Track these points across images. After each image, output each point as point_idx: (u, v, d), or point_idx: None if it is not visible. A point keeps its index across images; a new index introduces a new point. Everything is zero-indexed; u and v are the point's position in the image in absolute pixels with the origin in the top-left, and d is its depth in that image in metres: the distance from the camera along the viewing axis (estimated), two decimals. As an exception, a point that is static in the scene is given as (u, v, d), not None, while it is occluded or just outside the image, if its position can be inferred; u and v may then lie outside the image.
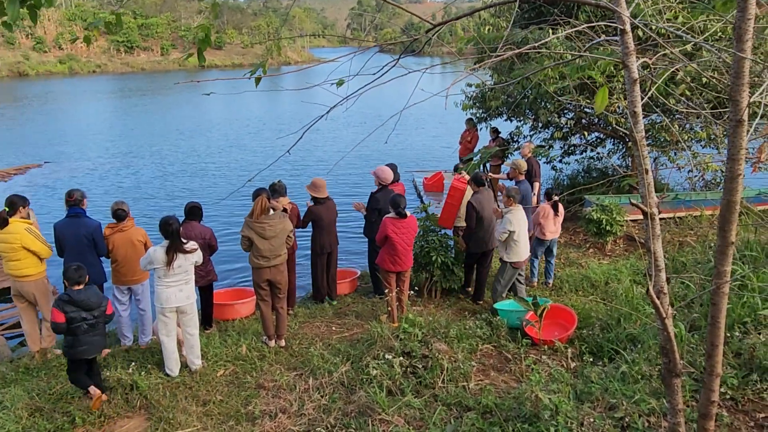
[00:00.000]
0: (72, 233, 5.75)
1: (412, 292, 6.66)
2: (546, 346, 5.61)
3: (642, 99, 2.18)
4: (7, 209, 5.68)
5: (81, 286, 4.88)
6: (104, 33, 71.61)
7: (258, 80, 3.02)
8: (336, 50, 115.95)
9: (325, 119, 2.58)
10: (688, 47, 7.45)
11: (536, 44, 2.34)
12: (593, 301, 6.60)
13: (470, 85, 11.24)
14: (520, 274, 6.96)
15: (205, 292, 6.41)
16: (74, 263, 4.99)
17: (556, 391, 4.04)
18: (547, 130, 11.80)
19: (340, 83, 3.18)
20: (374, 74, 3.15)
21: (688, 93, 7.45)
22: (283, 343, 6.11)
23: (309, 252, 7.35)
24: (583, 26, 2.19)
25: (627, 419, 3.72)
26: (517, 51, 2.20)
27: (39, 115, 30.75)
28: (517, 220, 6.55)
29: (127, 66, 66.77)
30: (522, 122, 11.34)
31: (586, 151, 12.82)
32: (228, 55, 76.96)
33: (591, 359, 4.94)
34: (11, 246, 5.64)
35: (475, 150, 12.62)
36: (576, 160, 13.11)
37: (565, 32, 2.75)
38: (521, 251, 6.64)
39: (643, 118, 8.28)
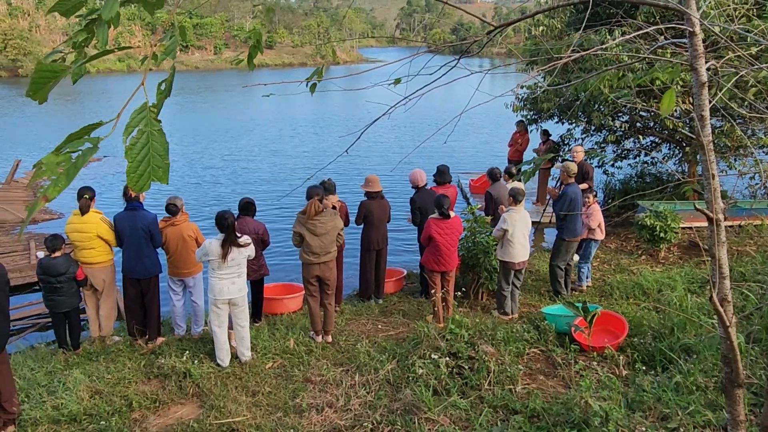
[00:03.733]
0: (129, 225, 5.99)
1: (458, 293, 6.65)
2: (595, 353, 5.51)
3: (710, 102, 2.14)
4: (87, 196, 5.97)
5: (57, 254, 5.75)
6: (161, 31, 73.81)
7: (313, 87, 3.15)
8: (385, 50, 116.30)
9: (387, 118, 2.62)
10: (753, 50, 7.19)
11: (599, 48, 2.32)
12: (645, 308, 6.44)
13: (522, 87, 11.10)
14: (517, 279, 6.88)
15: (256, 285, 6.57)
16: (53, 234, 5.91)
17: (607, 398, 3.97)
18: (599, 134, 11.56)
19: (397, 82, 3.28)
20: (431, 74, 3.18)
21: (752, 98, 7.19)
22: (330, 339, 6.20)
23: (357, 250, 7.46)
24: (650, 29, 2.16)
25: (681, 430, 3.63)
26: (580, 54, 2.18)
27: (100, 111, 32.02)
28: (513, 221, 6.54)
29: (181, 64, 68.73)
30: (574, 125, 11.13)
31: (639, 156, 12.49)
32: (279, 55, 78.27)
33: (643, 368, 4.82)
34: (87, 235, 5.94)
35: (525, 152, 12.48)
36: (629, 164, 12.79)
37: (627, 36, 2.71)
38: (514, 252, 6.61)
39: None
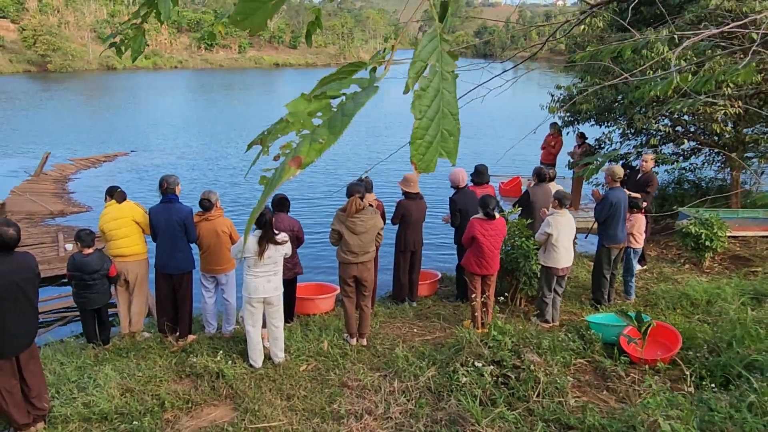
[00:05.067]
0: (165, 219, 5.85)
1: (501, 298, 6.39)
2: (647, 366, 5.21)
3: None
4: (118, 189, 5.98)
5: (90, 250, 5.61)
6: (186, 30, 74.51)
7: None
8: (408, 52, 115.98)
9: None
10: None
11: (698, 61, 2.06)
12: (698, 321, 6.12)
13: (560, 87, 10.80)
14: (560, 285, 6.60)
15: (289, 285, 6.34)
16: (86, 229, 5.82)
17: (675, 417, 3.68)
18: (636, 138, 11.18)
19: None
20: (500, 75, 2.96)
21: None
22: (365, 342, 5.98)
23: (389, 250, 7.23)
24: (734, 27, 1.90)
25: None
26: (690, 65, 1.92)
27: (126, 107, 32.34)
28: (558, 224, 6.27)
29: (206, 62, 69.37)
30: (613, 128, 10.77)
31: (677, 161, 12.06)
32: (302, 55, 78.58)
33: (712, 386, 4.51)
34: (124, 221, 5.87)
35: (559, 155, 12.14)
36: (666, 170, 12.38)
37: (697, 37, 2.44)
38: (558, 257, 6.34)
39: (747, 128, 7.61)
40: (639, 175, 8.13)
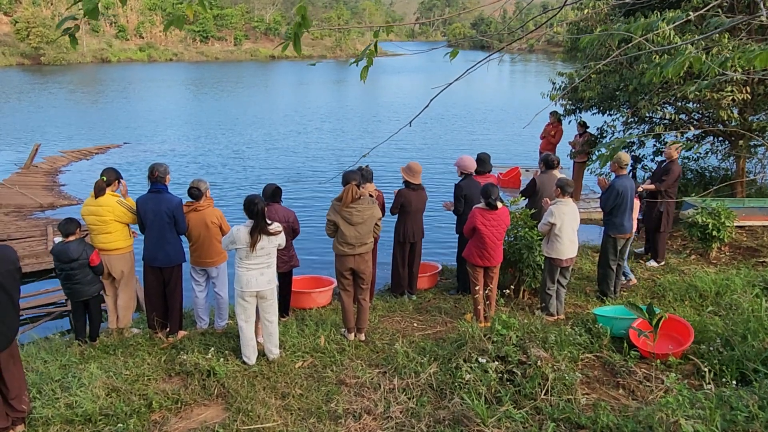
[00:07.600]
0: (153, 209, 5.58)
1: (507, 290, 6.13)
2: (658, 361, 4.99)
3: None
4: (104, 178, 5.60)
5: (72, 238, 5.34)
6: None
7: (365, 72, 2.99)
8: (403, 44, 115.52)
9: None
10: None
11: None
12: (709, 313, 5.89)
13: (562, 74, 10.53)
14: (564, 277, 6.37)
15: (285, 278, 6.10)
16: (66, 218, 5.49)
17: (695, 417, 3.45)
18: (639, 127, 10.91)
19: (454, 54, 3.08)
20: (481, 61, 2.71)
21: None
22: (363, 337, 5.74)
23: (389, 242, 6.99)
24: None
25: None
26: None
27: (119, 99, 31.94)
28: (561, 213, 6.02)
29: (201, 55, 68.76)
30: (616, 116, 10.50)
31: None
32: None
33: (734, 382, 4.29)
34: (102, 219, 5.55)
35: (559, 145, 11.89)
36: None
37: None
38: (562, 248, 6.10)
39: (754, 116, 7.36)
40: (664, 164, 7.93)
